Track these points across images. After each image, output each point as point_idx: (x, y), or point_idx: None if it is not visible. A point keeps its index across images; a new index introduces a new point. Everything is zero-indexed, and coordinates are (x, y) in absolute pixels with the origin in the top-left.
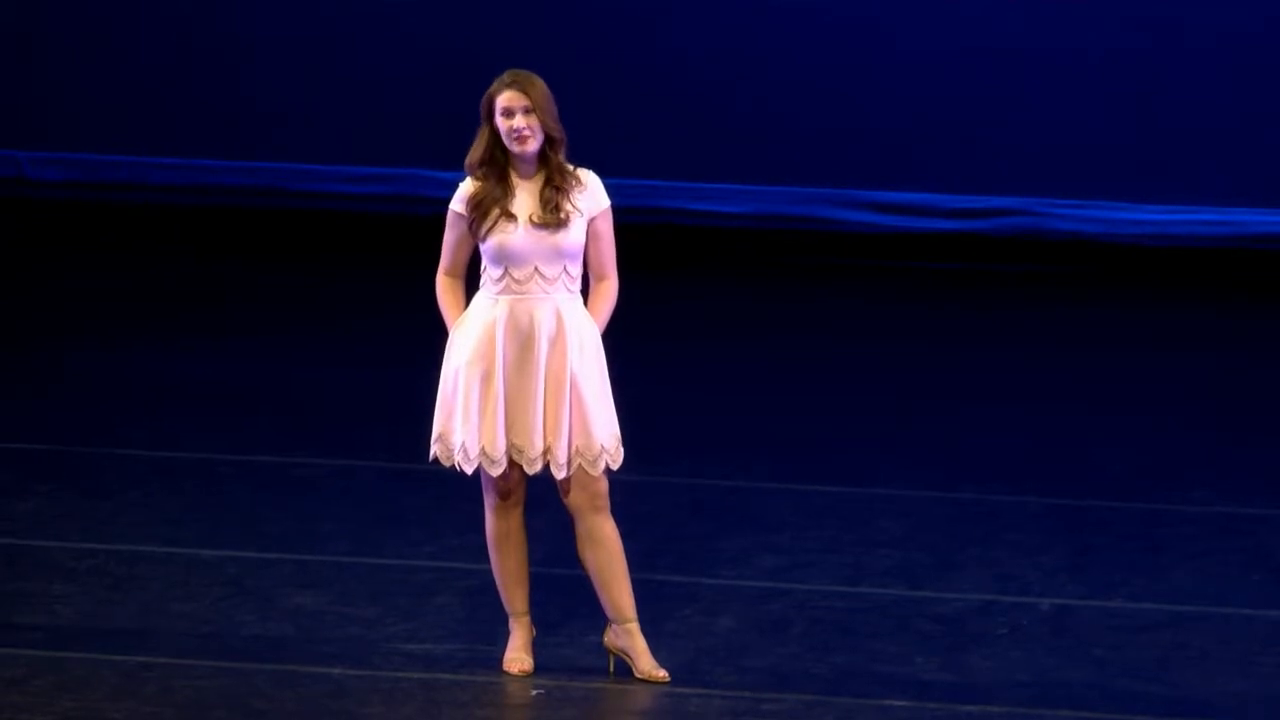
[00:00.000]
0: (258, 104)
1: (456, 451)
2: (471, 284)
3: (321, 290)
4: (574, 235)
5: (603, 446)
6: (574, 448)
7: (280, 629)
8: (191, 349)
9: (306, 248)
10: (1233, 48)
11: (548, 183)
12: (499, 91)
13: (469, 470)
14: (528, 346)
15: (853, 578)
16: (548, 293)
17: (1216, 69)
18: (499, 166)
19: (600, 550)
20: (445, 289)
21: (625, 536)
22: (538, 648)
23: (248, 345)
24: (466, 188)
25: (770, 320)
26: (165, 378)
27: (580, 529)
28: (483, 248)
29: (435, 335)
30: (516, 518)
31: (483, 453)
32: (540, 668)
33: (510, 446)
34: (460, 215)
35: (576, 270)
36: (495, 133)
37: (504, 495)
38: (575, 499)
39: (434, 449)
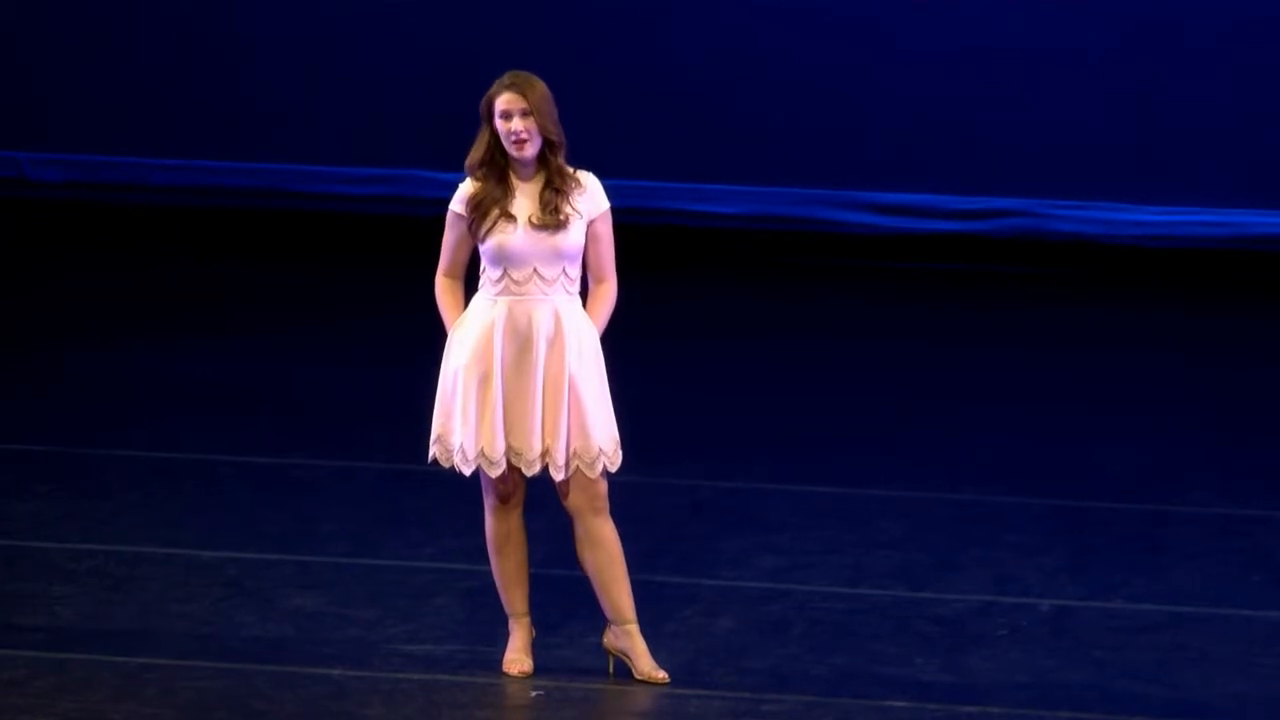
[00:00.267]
0: (258, 104)
1: (455, 453)
2: (471, 285)
3: (321, 291)
4: (573, 237)
5: (600, 449)
6: (572, 450)
7: (280, 630)
8: (191, 350)
9: (306, 248)
10: (1233, 48)
11: (547, 185)
12: (498, 93)
13: (467, 472)
14: (526, 348)
15: (853, 579)
16: (546, 294)
17: (1216, 69)
18: (499, 168)
19: (600, 551)
20: (444, 290)
21: (625, 537)
22: (537, 649)
23: (248, 346)
24: (466, 189)
25: (770, 321)
26: (165, 378)
27: (579, 530)
28: (482, 249)
29: (435, 336)
30: (516, 519)
31: (481, 454)
32: (540, 669)
33: (508, 448)
34: (460, 216)
35: (575, 272)
36: (495, 134)
37: (503, 497)
38: (574, 500)
39: (433, 450)
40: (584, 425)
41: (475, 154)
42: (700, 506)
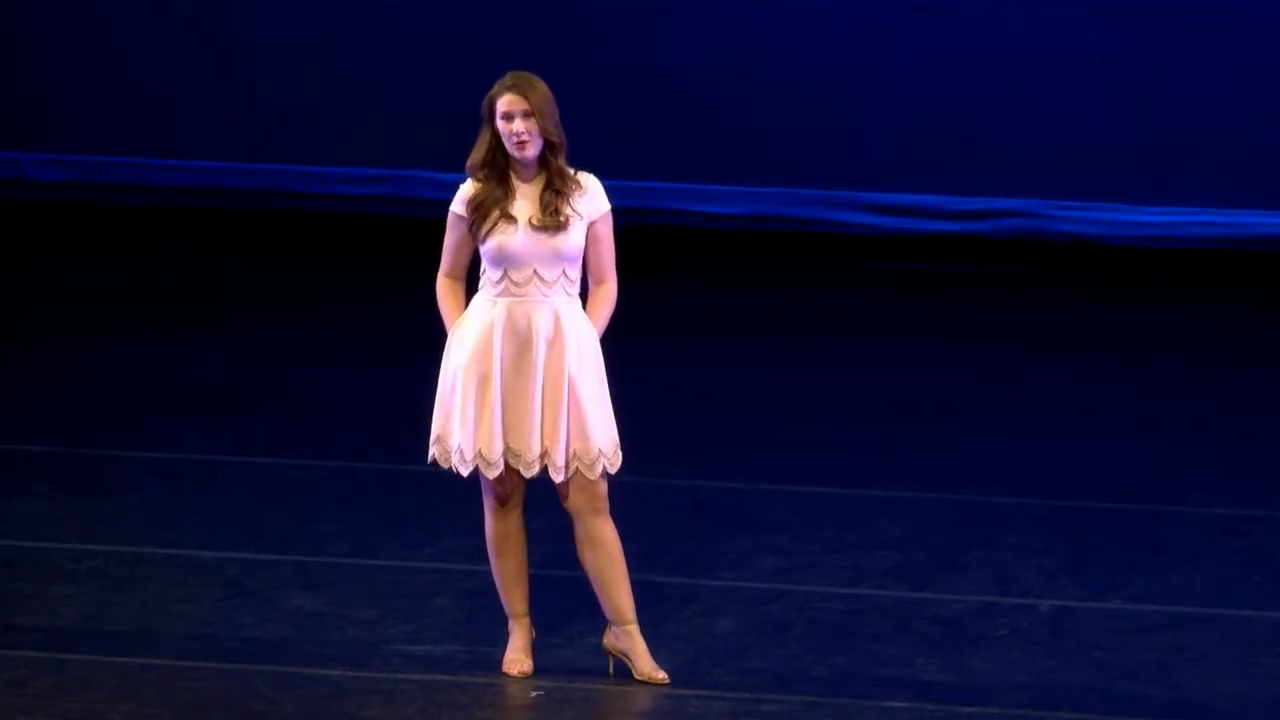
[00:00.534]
0: (257, 105)
1: (454, 454)
2: (471, 286)
3: (321, 291)
4: (573, 239)
5: (600, 451)
6: (571, 451)
7: (280, 630)
8: (192, 350)
9: (307, 249)
10: (1232, 48)
11: (548, 186)
12: (499, 94)
13: (465, 473)
14: (525, 349)
15: (853, 579)
16: (546, 296)
17: (1216, 69)
18: (500, 169)
19: (600, 552)
20: (445, 291)
21: (625, 538)
22: (537, 649)
23: (248, 346)
24: (467, 189)
25: (771, 321)
26: (165, 379)
27: (579, 531)
28: (482, 249)
29: (435, 336)
30: (516, 519)
31: (479, 455)
32: (540, 669)
33: (507, 450)
34: (460, 217)
35: (575, 273)
36: (496, 135)
37: (503, 497)
38: (574, 501)
39: (432, 450)
40: (583, 427)
41: (476, 155)
42: (700, 507)
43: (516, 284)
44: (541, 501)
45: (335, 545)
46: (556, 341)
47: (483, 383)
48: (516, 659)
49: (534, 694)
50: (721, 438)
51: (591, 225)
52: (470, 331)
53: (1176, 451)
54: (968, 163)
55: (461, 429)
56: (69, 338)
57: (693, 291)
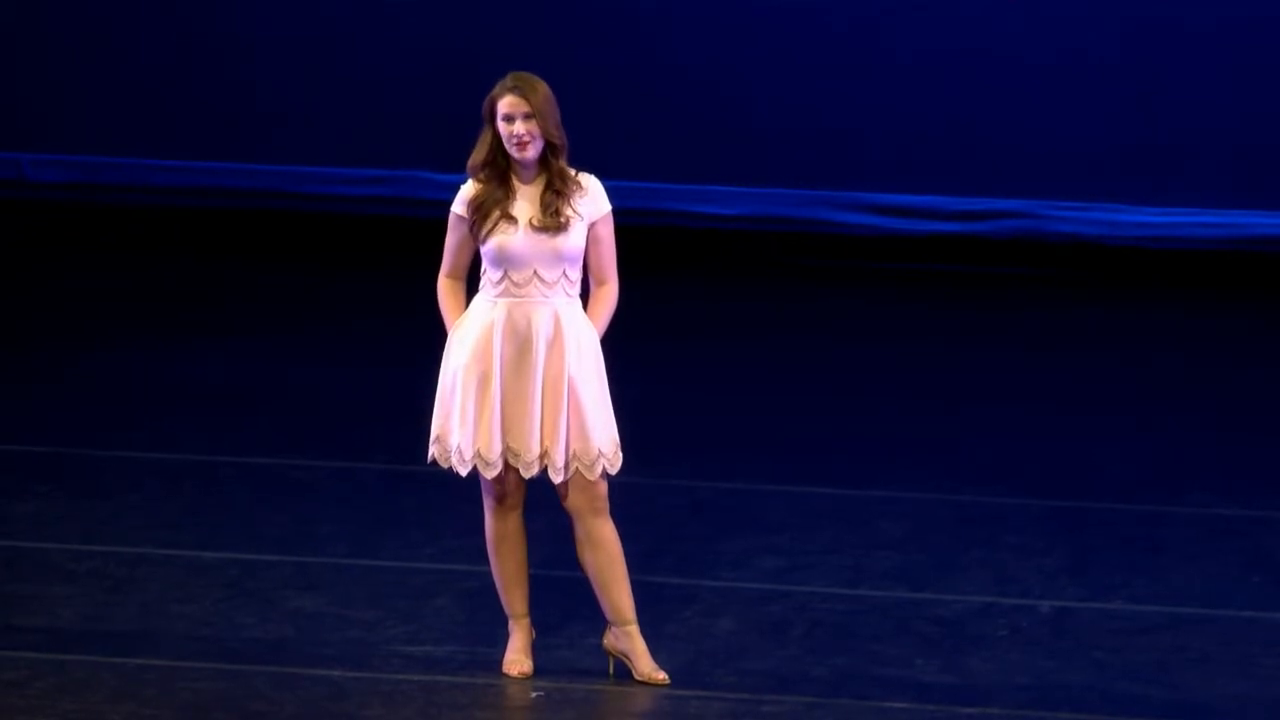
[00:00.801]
0: (258, 106)
1: (453, 453)
2: (472, 286)
3: (321, 292)
4: (573, 240)
5: (600, 451)
6: (571, 452)
7: (280, 631)
8: (191, 351)
9: (307, 250)
10: (1232, 48)
11: (548, 187)
12: (501, 95)
13: (463, 472)
14: (525, 350)
15: (853, 580)
16: (546, 296)
17: (1216, 70)
18: (500, 169)
19: (600, 552)
20: (446, 291)
21: (625, 538)
22: (537, 650)
23: (248, 347)
24: (468, 190)
25: (770, 322)
26: (165, 379)
27: (579, 531)
28: (482, 250)
29: (435, 336)
30: (516, 520)
31: (478, 455)
32: (540, 670)
33: (506, 450)
34: (461, 218)
35: (576, 274)
36: (497, 136)
37: (503, 498)
38: (574, 501)
39: (432, 449)
40: (583, 427)
41: (477, 155)
42: (700, 507)
43: (517, 285)
44: (541, 502)
45: (335, 546)
46: (556, 342)
47: (482, 383)
48: (516, 659)
49: (534, 695)
50: (722, 438)
51: (592, 226)
52: (470, 332)
53: (1176, 452)
54: (968, 163)
55: (461, 429)
56: (69, 338)
57: (693, 292)
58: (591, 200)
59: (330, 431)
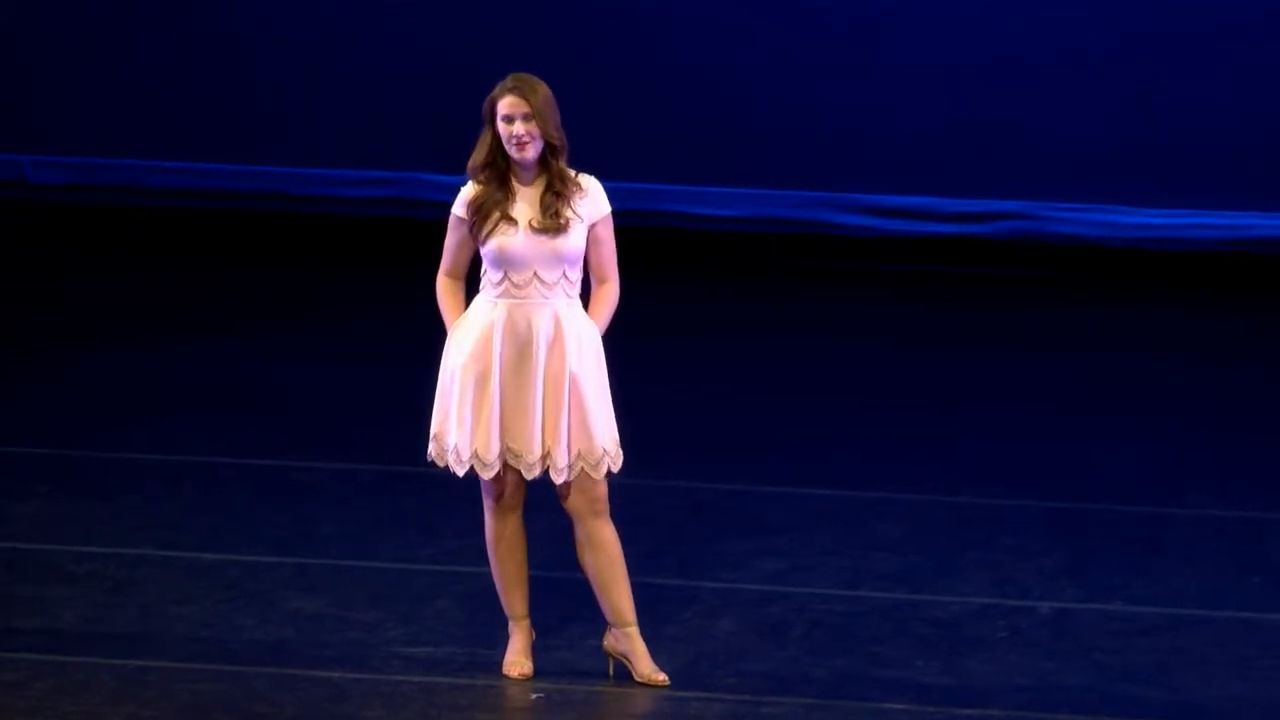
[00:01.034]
0: (258, 108)
1: (449, 453)
2: (472, 286)
3: (322, 293)
4: (573, 241)
5: (604, 450)
6: (575, 451)
7: (280, 632)
8: (192, 352)
9: (307, 251)
10: (1232, 49)
11: (548, 188)
12: (500, 96)
13: (460, 472)
14: (525, 351)
15: (852, 581)
16: (546, 298)
17: (1216, 71)
18: (500, 171)
19: (600, 554)
20: (445, 290)
21: (625, 540)
22: (537, 651)
23: (248, 348)
24: (468, 191)
25: (770, 323)
26: (165, 380)
27: (579, 533)
28: (483, 251)
29: (435, 337)
30: (516, 521)
31: (475, 455)
32: (540, 671)
33: (506, 451)
34: (461, 219)
35: (576, 275)
36: (497, 137)
37: (503, 499)
38: (574, 503)
39: (431, 447)
40: (586, 425)
41: (477, 157)
42: (700, 509)
43: (517, 286)
44: (541, 503)
45: (335, 547)
46: (557, 342)
47: (480, 383)
48: (516, 661)
49: (534, 696)
50: (721, 439)
51: (592, 227)
52: (470, 332)
53: (1176, 453)
54: (967, 164)
55: (458, 429)
56: (70, 339)
57: (692, 293)
58: (592, 201)
59: (331, 433)
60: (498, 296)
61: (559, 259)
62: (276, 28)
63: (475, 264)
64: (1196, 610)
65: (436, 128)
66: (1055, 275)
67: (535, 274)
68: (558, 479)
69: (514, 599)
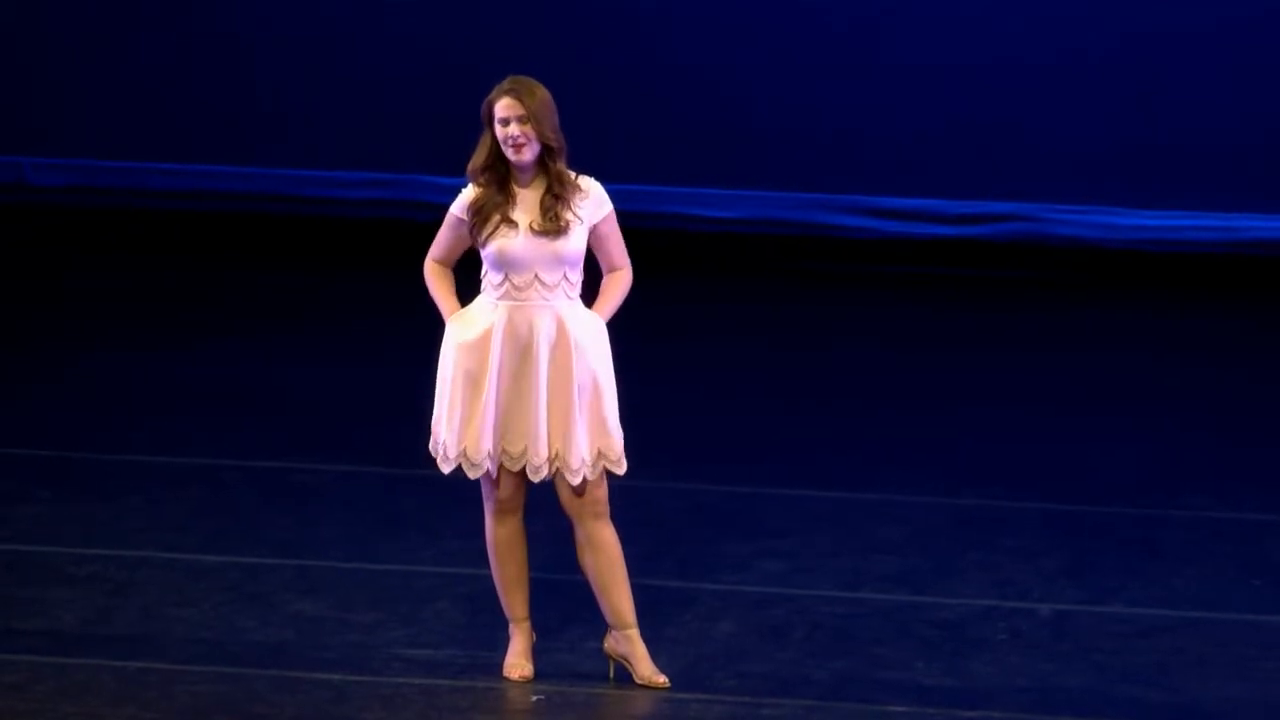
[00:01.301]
0: (258, 108)
1: (439, 448)
2: (473, 288)
3: (322, 295)
4: (574, 243)
5: (622, 447)
6: (596, 450)
7: (281, 634)
8: (192, 354)
9: (307, 252)
10: (1233, 50)
11: (548, 190)
12: (497, 99)
13: (446, 470)
14: (527, 354)
15: (853, 583)
16: (547, 299)
17: (1217, 72)
18: (500, 174)
19: (600, 556)
20: (434, 273)
21: (625, 542)
22: (538, 653)
23: (248, 350)
24: (468, 194)
25: (771, 325)
26: (166, 382)
27: (580, 535)
28: (483, 253)
29: (435, 339)
30: (516, 523)
31: (463, 454)
32: (540, 673)
33: (503, 454)
34: (460, 220)
35: (576, 277)
36: (496, 139)
37: (503, 501)
38: (574, 505)
39: (431, 441)
40: (604, 424)
41: (477, 159)
42: (700, 511)
43: (518, 288)
44: (542, 505)
45: (336, 549)
46: (560, 344)
47: (474, 383)
48: (517, 663)
49: (534, 698)
50: (722, 441)
51: (595, 227)
52: (469, 329)
53: (1175, 454)
54: (967, 167)
55: (448, 426)
56: (70, 340)
57: (692, 295)
58: (592, 203)
59: (331, 435)
60: (498, 298)
61: (559, 261)
62: (276, 28)
63: (465, 261)
64: (1197, 612)
65: (436, 129)
66: (1055, 277)
67: (536, 276)
68: (574, 480)
69: (514, 601)
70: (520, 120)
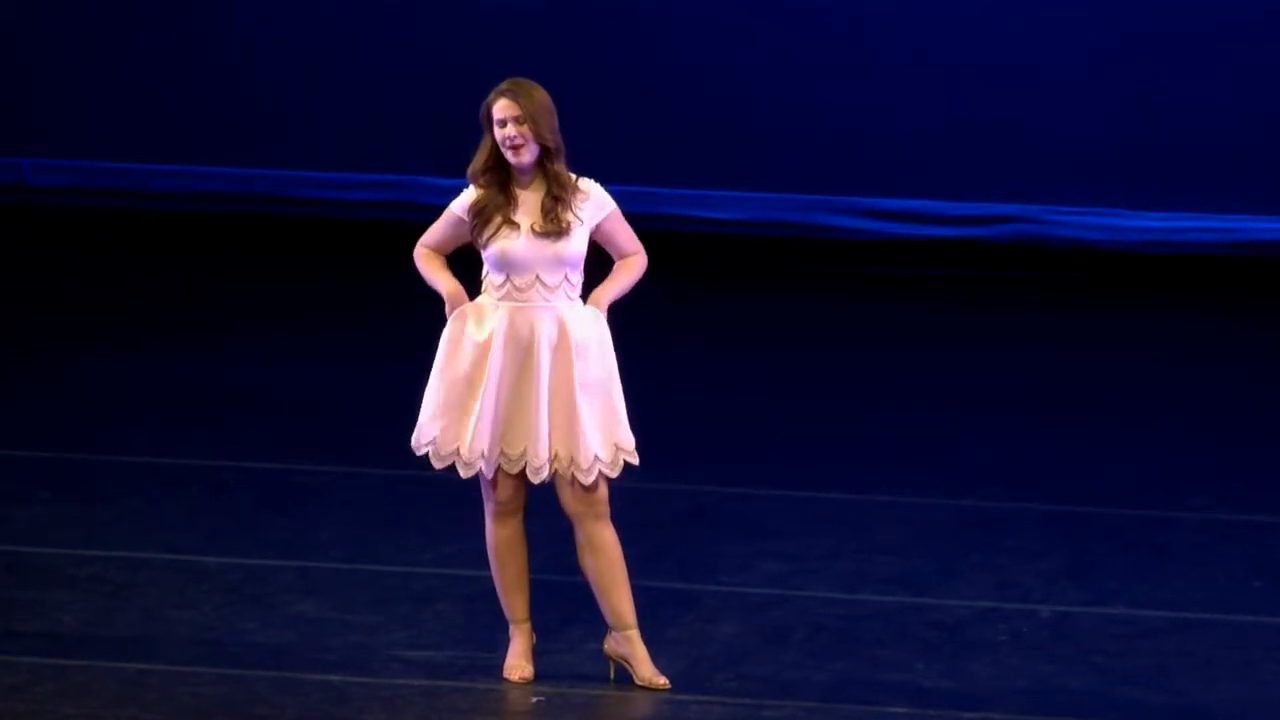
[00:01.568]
0: (258, 109)
1: (428, 444)
2: (473, 288)
3: (322, 296)
4: (575, 244)
5: (631, 442)
6: (612, 445)
7: (281, 636)
8: (192, 355)
9: (307, 253)
10: (1233, 51)
11: (548, 192)
12: (495, 100)
13: (439, 466)
14: (528, 356)
15: (853, 585)
16: (549, 300)
17: (1217, 74)
18: (500, 175)
19: (600, 557)
20: (424, 256)
21: (625, 543)
22: (538, 655)
23: (249, 351)
24: (469, 195)
25: (771, 327)
26: (166, 384)
27: (580, 536)
28: (485, 255)
29: (435, 340)
30: (516, 525)
31: (456, 453)
32: (541, 675)
33: (501, 456)
34: (460, 219)
35: (577, 278)
36: (496, 141)
37: (503, 503)
38: (575, 506)
39: (415, 433)
40: (616, 416)
41: (477, 161)
42: (701, 512)
43: (519, 289)
44: (541, 506)
45: (336, 550)
46: (562, 345)
47: (471, 383)
48: (517, 664)
49: (535, 699)
50: (722, 443)
51: (599, 226)
52: (469, 330)
53: (1178, 456)
54: (968, 168)
55: (439, 423)
56: (70, 342)
57: (692, 296)
58: (593, 204)
59: (332, 436)
60: (500, 299)
61: (561, 262)
62: (276, 28)
63: (469, 262)
64: (1198, 613)
65: (436, 129)
66: (1055, 278)
67: (537, 277)
68: (588, 478)
69: (514, 602)
70: (517, 121)
